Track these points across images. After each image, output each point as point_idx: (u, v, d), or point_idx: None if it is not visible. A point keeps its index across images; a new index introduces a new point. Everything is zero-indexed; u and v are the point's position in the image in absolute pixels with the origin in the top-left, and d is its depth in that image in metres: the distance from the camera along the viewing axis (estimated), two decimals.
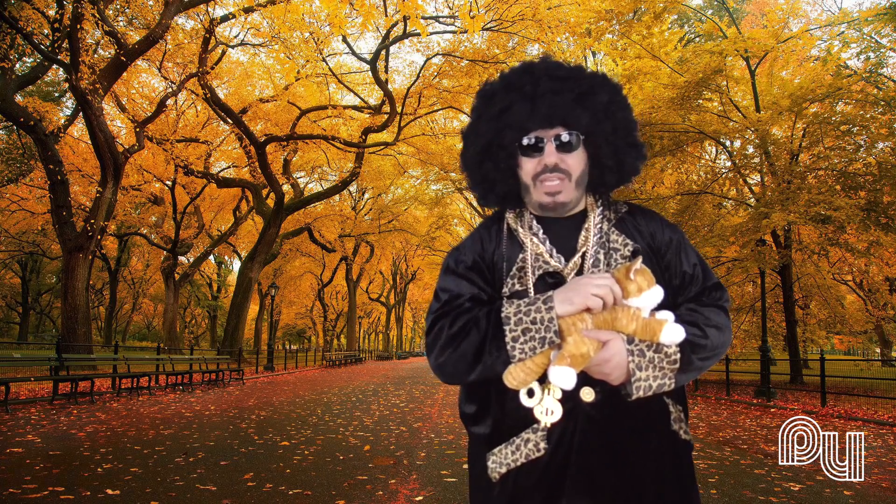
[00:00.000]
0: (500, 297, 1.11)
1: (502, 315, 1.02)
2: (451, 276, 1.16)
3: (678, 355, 1.02)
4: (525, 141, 1.12)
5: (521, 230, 1.16)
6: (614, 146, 1.14)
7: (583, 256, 1.12)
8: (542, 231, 1.15)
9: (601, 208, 1.18)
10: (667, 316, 1.02)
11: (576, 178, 1.12)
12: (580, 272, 1.10)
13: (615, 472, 1.03)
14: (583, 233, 1.14)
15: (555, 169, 1.11)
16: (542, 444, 1.04)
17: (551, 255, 1.12)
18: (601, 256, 1.11)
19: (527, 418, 1.06)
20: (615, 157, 1.15)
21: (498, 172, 1.17)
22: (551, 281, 1.09)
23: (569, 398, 1.03)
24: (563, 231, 1.15)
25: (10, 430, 6.42)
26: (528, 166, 1.13)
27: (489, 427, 1.12)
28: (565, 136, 1.11)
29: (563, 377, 0.97)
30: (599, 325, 1.00)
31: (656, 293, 1.01)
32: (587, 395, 1.04)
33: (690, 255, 1.17)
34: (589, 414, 1.04)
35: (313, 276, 43.50)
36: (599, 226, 1.15)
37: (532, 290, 1.09)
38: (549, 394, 1.04)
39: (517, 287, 1.11)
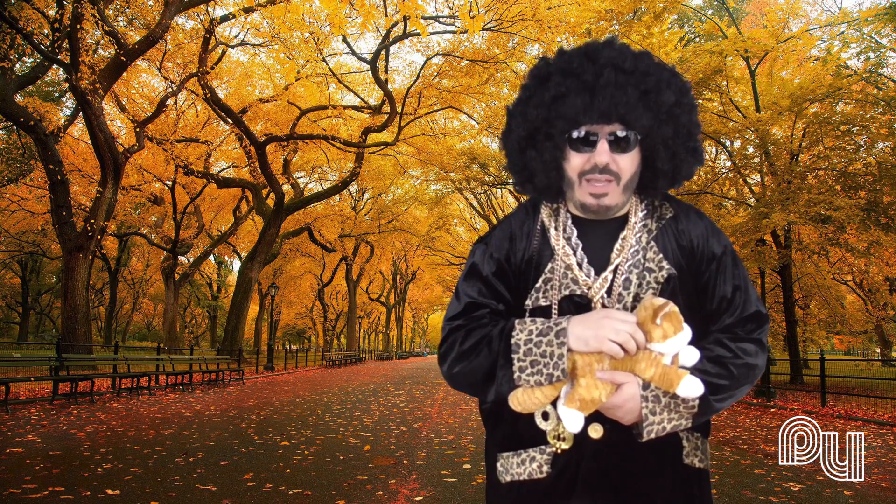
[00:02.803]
0: (522, 309, 1.07)
1: (512, 342, 0.98)
2: (473, 280, 1.11)
3: (696, 402, 0.96)
4: (576, 134, 1.02)
5: (553, 232, 1.08)
6: (672, 151, 1.04)
7: (614, 272, 1.04)
8: (576, 235, 1.07)
9: (643, 213, 1.09)
10: (690, 359, 0.96)
11: (625, 181, 1.03)
12: (609, 290, 1.03)
13: None
14: (618, 243, 1.06)
15: (605, 170, 1.01)
16: (546, 468, 1.02)
17: (581, 268, 1.05)
18: (633, 277, 1.03)
19: (538, 435, 1.04)
20: (671, 161, 1.04)
21: (540, 163, 1.06)
22: (578, 301, 1.03)
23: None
24: (598, 237, 1.07)
25: (10, 430, 6.42)
26: (575, 161, 1.03)
27: (501, 430, 1.10)
28: (622, 133, 1.01)
29: (571, 420, 0.94)
30: (616, 366, 0.95)
31: (682, 339, 0.94)
32: (595, 431, 1.00)
33: (735, 275, 1.06)
34: (595, 448, 1.01)
35: (313, 276, 43.49)
36: (638, 235, 1.06)
37: (556, 309, 1.04)
38: (562, 421, 1.01)
39: (541, 302, 1.05)
